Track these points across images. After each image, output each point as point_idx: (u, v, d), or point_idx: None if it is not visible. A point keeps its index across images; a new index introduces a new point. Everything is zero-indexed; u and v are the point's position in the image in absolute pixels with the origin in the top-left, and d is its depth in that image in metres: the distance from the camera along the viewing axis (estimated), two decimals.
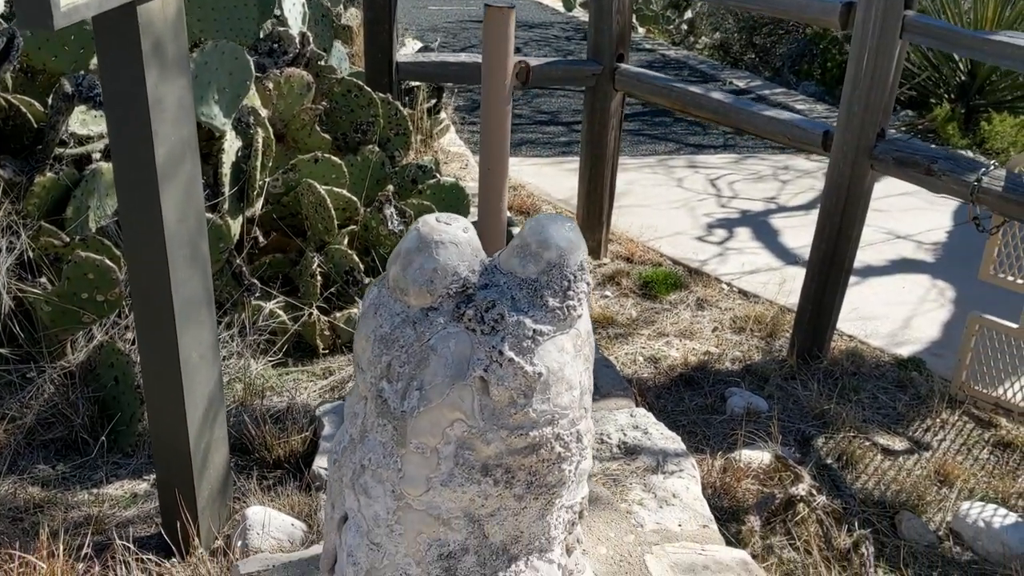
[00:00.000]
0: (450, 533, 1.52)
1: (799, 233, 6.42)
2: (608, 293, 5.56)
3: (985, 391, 4.45)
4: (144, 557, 2.68)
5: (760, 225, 6.62)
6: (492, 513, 1.53)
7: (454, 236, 1.48)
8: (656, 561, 1.88)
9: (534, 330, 1.46)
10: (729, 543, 3.28)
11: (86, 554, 2.67)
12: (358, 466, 1.55)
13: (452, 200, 4.93)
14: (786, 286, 5.55)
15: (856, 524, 3.61)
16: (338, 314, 4.22)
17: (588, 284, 1.52)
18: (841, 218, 4.49)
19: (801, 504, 3.70)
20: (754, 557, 3.33)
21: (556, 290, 1.48)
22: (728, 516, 3.65)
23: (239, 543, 2.72)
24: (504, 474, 1.50)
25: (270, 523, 2.76)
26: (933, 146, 6.19)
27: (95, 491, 3.15)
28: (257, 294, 4.01)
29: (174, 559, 2.70)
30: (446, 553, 1.53)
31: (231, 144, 4.08)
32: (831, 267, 4.61)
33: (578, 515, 1.67)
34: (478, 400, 1.46)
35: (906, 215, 6.77)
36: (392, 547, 1.53)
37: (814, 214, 6.88)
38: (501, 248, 1.50)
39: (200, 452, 2.73)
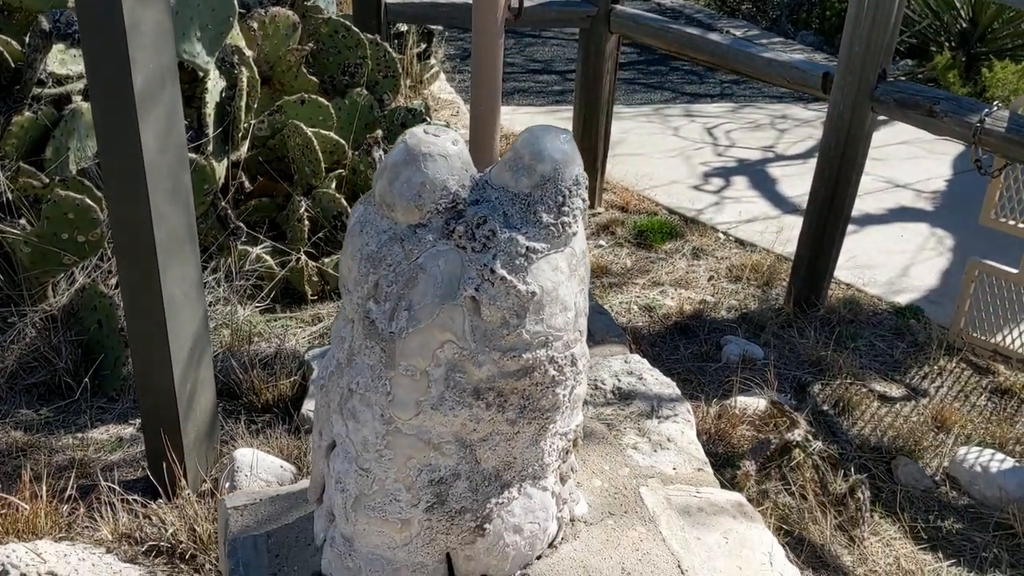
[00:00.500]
0: (441, 458, 1.49)
1: (797, 182, 6.37)
2: (602, 242, 5.51)
3: (983, 338, 4.43)
4: (130, 498, 2.65)
5: (757, 174, 6.56)
6: (484, 438, 1.49)
7: (443, 148, 1.42)
8: (651, 494, 1.85)
9: (527, 247, 1.41)
10: (724, 487, 3.27)
11: (70, 496, 2.64)
12: (345, 390, 1.51)
13: None
14: (783, 234, 5.51)
15: (852, 469, 3.61)
16: (326, 260, 4.16)
17: (584, 200, 1.47)
18: (840, 162, 4.43)
19: (797, 450, 3.69)
20: (749, 501, 3.33)
21: (550, 205, 1.43)
22: (723, 462, 3.64)
23: (227, 484, 2.70)
24: (496, 398, 1.46)
25: (258, 465, 2.73)
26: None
27: (79, 435, 3.11)
28: (243, 238, 3.94)
29: (160, 500, 2.67)
30: (437, 478, 1.49)
31: (215, 84, 3.99)
32: (829, 213, 4.56)
33: (572, 443, 1.64)
34: (469, 321, 1.41)
35: (905, 164, 6.72)
36: (381, 472, 1.49)
37: (812, 163, 6.81)
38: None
39: (186, 392, 2.69)
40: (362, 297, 1.46)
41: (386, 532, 1.52)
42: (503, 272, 1.40)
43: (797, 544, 3.28)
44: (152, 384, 2.65)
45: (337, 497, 1.55)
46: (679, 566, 1.69)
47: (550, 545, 1.68)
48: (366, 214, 1.48)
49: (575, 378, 1.53)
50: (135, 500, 2.65)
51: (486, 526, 1.54)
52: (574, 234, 1.47)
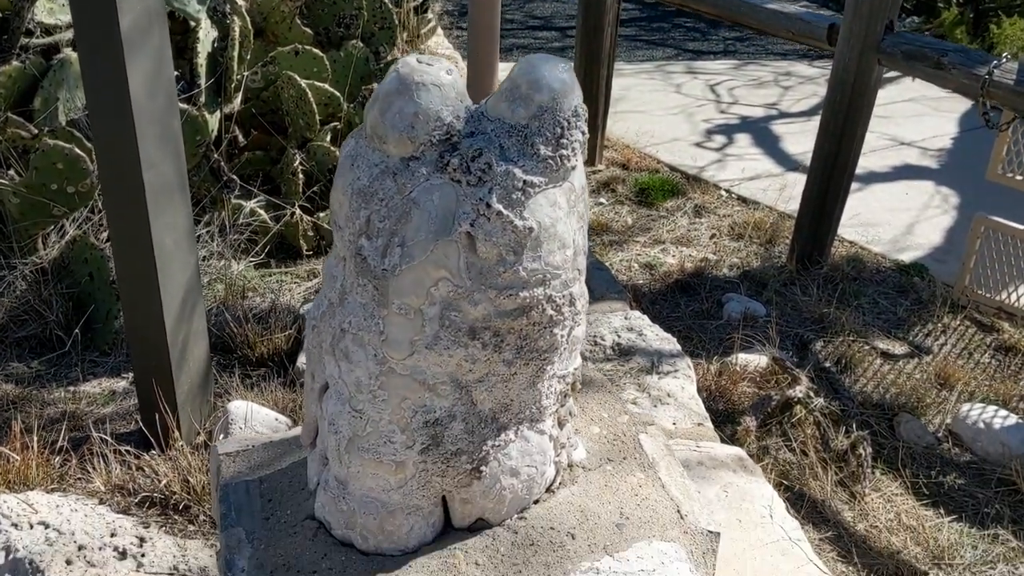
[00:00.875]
0: (436, 399, 1.46)
1: (801, 139, 6.30)
2: (603, 200, 5.46)
3: (988, 295, 4.40)
4: (122, 450, 2.63)
5: (760, 131, 6.49)
6: (480, 379, 1.46)
7: (437, 78, 1.38)
8: (651, 440, 1.83)
9: (524, 181, 1.37)
10: (724, 443, 3.26)
11: (62, 447, 2.62)
12: (338, 330, 1.47)
13: None
14: (786, 192, 5.46)
15: (854, 426, 3.59)
16: (321, 214, 4.12)
17: (584, 133, 1.43)
18: (845, 117, 4.37)
19: (798, 406, 3.67)
20: (749, 457, 3.32)
21: (548, 137, 1.39)
22: (723, 418, 3.63)
23: (221, 436, 2.68)
24: (492, 337, 1.43)
25: (253, 417, 2.71)
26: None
27: (71, 389, 3.09)
28: (236, 191, 3.90)
29: (154, 452, 2.65)
30: (432, 420, 1.47)
31: (206, 34, 3.93)
32: (834, 168, 4.51)
33: (571, 387, 1.61)
34: (464, 257, 1.38)
35: (910, 121, 6.65)
36: (375, 414, 1.46)
37: (816, 120, 6.74)
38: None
39: (178, 343, 2.66)
40: (353, 233, 1.42)
41: (380, 474, 1.50)
42: (499, 207, 1.36)
43: (797, 500, 3.27)
44: (143, 334, 2.63)
45: (330, 439, 1.53)
46: (678, 511, 1.67)
47: (548, 490, 1.66)
48: (357, 147, 1.44)
49: (573, 319, 1.50)
50: (128, 452, 2.64)
51: (482, 469, 1.51)
52: (573, 168, 1.43)
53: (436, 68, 1.40)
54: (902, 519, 3.26)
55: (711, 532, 1.65)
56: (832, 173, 4.52)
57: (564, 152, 1.40)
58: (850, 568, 3.03)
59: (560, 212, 1.42)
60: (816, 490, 3.33)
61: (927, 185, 5.76)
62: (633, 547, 1.58)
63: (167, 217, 2.54)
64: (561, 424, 1.64)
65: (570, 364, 1.58)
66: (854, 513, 3.27)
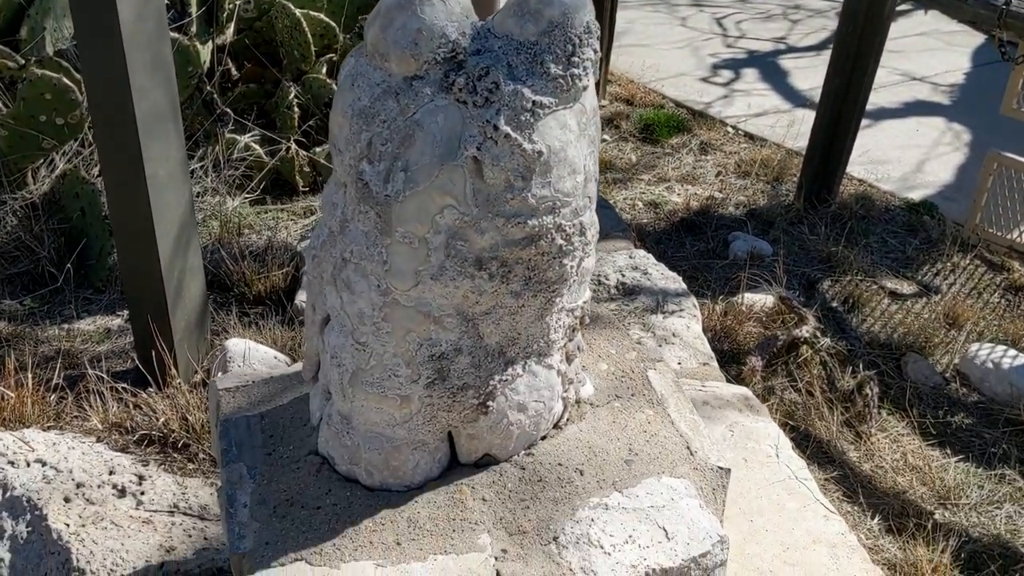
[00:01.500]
0: (442, 332, 1.42)
1: (810, 74, 6.20)
2: (607, 136, 5.38)
3: (999, 233, 4.36)
4: (119, 387, 2.61)
5: (768, 66, 6.38)
6: (487, 311, 1.43)
7: None
8: (659, 377, 1.80)
9: (533, 101, 1.32)
10: (729, 383, 3.24)
11: (57, 385, 2.60)
12: (339, 259, 1.43)
13: None
14: (795, 128, 5.38)
15: (861, 366, 3.58)
16: (318, 149, 4.05)
17: (596, 52, 1.37)
18: (857, 50, 4.28)
19: (804, 346, 3.65)
20: (755, 396, 3.30)
21: (559, 55, 1.33)
22: (729, 358, 3.61)
23: (219, 374, 2.65)
24: (500, 268, 1.39)
25: (251, 355, 2.68)
26: None
27: (65, 326, 3.06)
28: (231, 125, 3.83)
29: (151, 390, 2.63)
30: (438, 354, 1.43)
31: None
32: (844, 103, 4.43)
33: (579, 321, 1.57)
34: (471, 183, 1.33)
35: (922, 56, 6.53)
36: (379, 347, 1.43)
37: (826, 55, 6.62)
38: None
39: (174, 279, 2.62)
40: (354, 157, 1.37)
41: (385, 409, 1.47)
42: (507, 129, 1.31)
43: (803, 440, 3.26)
44: (138, 268, 2.59)
45: (333, 373, 1.49)
46: (688, 447, 1.65)
47: (555, 426, 1.64)
48: (357, 66, 1.38)
49: (583, 249, 1.46)
50: (125, 390, 2.61)
51: (489, 403, 1.48)
52: (584, 88, 1.38)
53: None
54: (908, 459, 3.26)
55: (721, 468, 1.62)
56: (842, 109, 4.44)
57: (575, 71, 1.35)
58: (855, 508, 3.03)
59: (571, 135, 1.37)
60: (822, 430, 3.32)
61: (938, 121, 5.68)
62: (642, 483, 1.56)
63: (160, 147, 2.48)
64: (569, 359, 1.60)
65: (579, 297, 1.55)
66: (860, 453, 3.27)
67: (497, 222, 1.36)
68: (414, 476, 1.53)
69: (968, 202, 4.67)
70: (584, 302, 1.57)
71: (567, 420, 1.65)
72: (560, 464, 1.57)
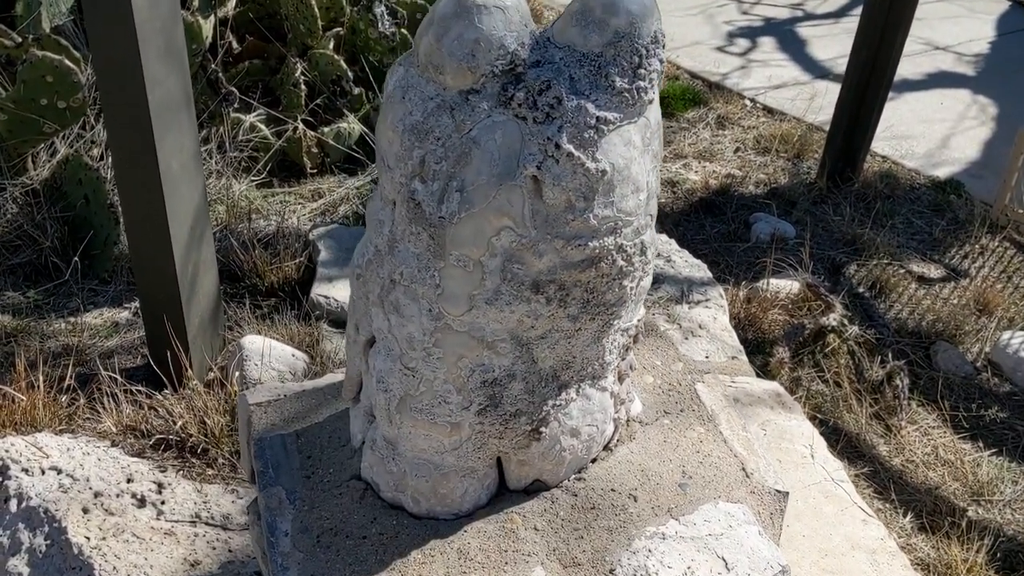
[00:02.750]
0: (495, 357, 1.39)
1: (829, 43, 6.12)
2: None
3: None
4: (133, 389, 2.57)
5: (786, 34, 6.30)
6: (543, 335, 1.39)
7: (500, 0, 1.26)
8: (708, 391, 1.77)
9: (597, 117, 1.27)
10: (759, 377, 3.22)
11: (69, 386, 2.56)
12: (387, 281, 1.39)
13: None
14: (816, 102, 5.31)
15: (889, 355, 3.55)
16: (326, 129, 3.99)
17: (662, 61, 1.32)
18: (886, 18, 4.20)
19: (832, 335, 3.62)
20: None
21: (624, 67, 1.28)
22: (754, 348, 3.58)
23: (236, 374, 2.62)
24: (558, 291, 1.35)
25: (269, 353, 2.65)
26: None
27: (72, 320, 3.01)
28: (236, 105, 3.76)
29: (166, 391, 2.60)
30: (490, 380, 1.40)
31: None
32: (871, 77, 4.36)
33: (633, 339, 1.54)
34: (529, 204, 1.29)
35: (945, 24, 6.45)
36: (429, 373, 1.39)
37: (845, 22, 6.56)
38: None
39: (188, 275, 2.58)
40: (405, 175, 1.33)
41: (434, 436, 1.43)
42: (570, 147, 1.26)
43: (831, 434, 3.25)
44: (151, 266, 2.54)
45: (379, 398, 1.46)
46: (743, 469, 1.62)
47: (605, 447, 1.61)
48: (408, 77, 1.33)
49: (643, 268, 1.42)
50: (139, 391, 2.58)
51: (542, 430, 1.45)
52: (650, 101, 1.33)
53: None
54: (939, 453, 3.25)
55: (779, 492, 1.60)
56: (868, 85, 4.38)
57: (641, 84, 1.30)
58: (887, 505, 3.03)
59: (634, 152, 1.33)
60: (851, 423, 3.31)
61: (963, 94, 5.62)
62: (699, 509, 1.53)
63: (173, 138, 2.43)
64: (621, 378, 1.57)
65: (635, 316, 1.51)
66: (890, 447, 3.26)
67: (556, 244, 1.32)
68: (462, 504, 1.50)
69: (995, 180, 4.63)
70: (639, 320, 1.54)
71: (617, 440, 1.62)
72: (613, 489, 1.54)
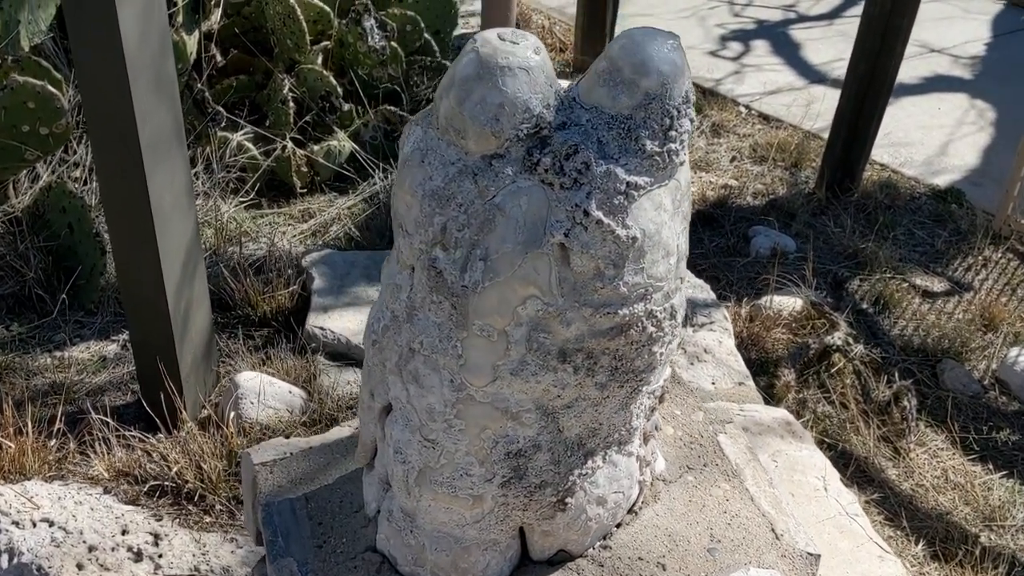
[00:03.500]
0: (520, 428, 1.35)
1: (822, 47, 6.11)
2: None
3: None
4: (125, 432, 2.51)
5: (779, 37, 6.28)
6: (569, 404, 1.35)
7: (524, 60, 1.22)
8: (731, 442, 1.74)
9: (628, 183, 1.23)
10: (768, 403, 3.19)
11: (59, 430, 2.50)
12: (406, 349, 1.35)
13: (439, 9, 4.55)
14: (812, 108, 5.30)
15: (896, 375, 3.54)
16: (316, 147, 3.93)
17: (693, 120, 1.28)
18: (885, 26, 4.18)
19: (837, 354, 3.60)
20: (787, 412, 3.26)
21: (655, 129, 1.24)
22: (758, 368, 3.55)
23: (231, 414, 2.57)
24: (585, 360, 1.31)
25: (265, 391, 2.60)
26: None
27: (58, 354, 2.95)
28: (222, 124, 3.70)
29: (160, 435, 2.54)
30: (515, 451, 1.36)
31: None
32: (869, 87, 4.35)
33: (659, 399, 1.50)
34: (556, 272, 1.25)
35: (939, 25, 6.45)
36: (451, 445, 1.35)
37: (839, 24, 6.55)
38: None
39: (180, 312, 2.52)
40: (426, 242, 1.28)
41: (455, 509, 1.39)
42: (599, 214, 1.23)
43: (840, 458, 3.23)
44: (142, 306, 2.48)
45: (396, 469, 1.42)
46: (772, 530, 1.59)
47: (630, 510, 1.57)
48: (427, 140, 1.29)
49: (672, 332, 1.38)
50: (131, 434, 2.52)
51: (568, 500, 1.41)
52: (681, 163, 1.29)
53: (523, 47, 1.24)
54: (949, 476, 3.24)
55: (810, 554, 1.57)
56: (867, 93, 4.37)
57: (672, 146, 1.26)
58: (898, 532, 3.01)
59: (665, 215, 1.29)
60: (858, 446, 3.29)
61: (960, 98, 5.62)
62: None
63: (164, 173, 2.37)
64: (646, 439, 1.53)
65: (662, 377, 1.47)
66: (899, 471, 3.24)
67: (584, 312, 1.28)
68: None
69: (995, 188, 4.63)
70: (665, 380, 1.50)
71: (642, 503, 1.59)
72: (640, 558, 1.51)
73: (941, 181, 4.83)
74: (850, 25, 6.40)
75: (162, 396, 2.53)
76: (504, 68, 1.22)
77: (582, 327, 1.29)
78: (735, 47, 6.13)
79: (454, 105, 1.24)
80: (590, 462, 1.43)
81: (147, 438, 2.53)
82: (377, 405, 1.46)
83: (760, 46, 6.16)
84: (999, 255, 4.29)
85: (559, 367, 1.31)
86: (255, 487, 1.69)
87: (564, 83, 1.31)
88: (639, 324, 1.32)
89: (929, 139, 5.20)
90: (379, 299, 1.44)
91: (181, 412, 2.54)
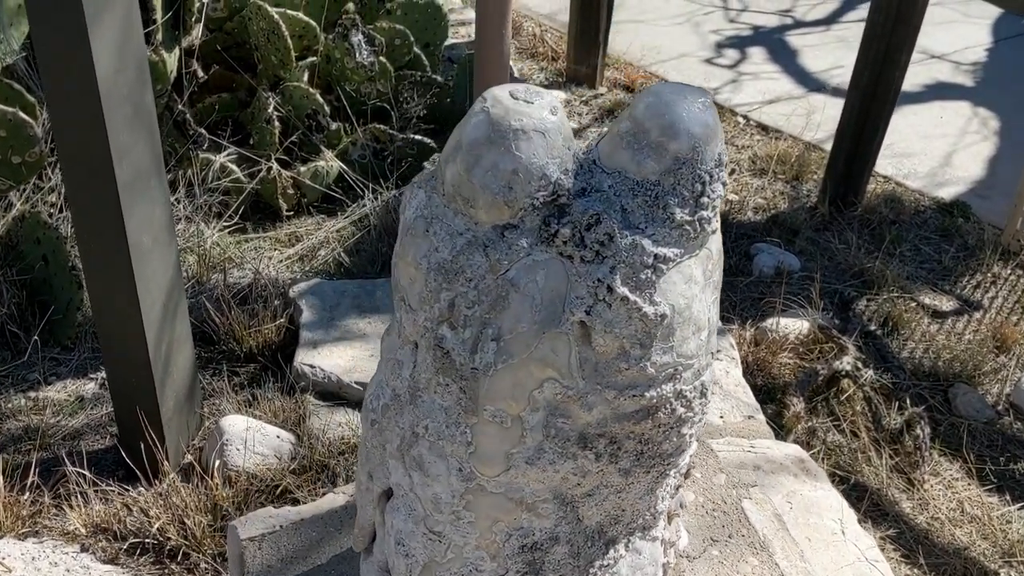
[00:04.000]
0: (535, 520, 1.24)
1: (821, 53, 6.02)
2: (606, 129, 5.17)
3: None
4: (104, 486, 2.39)
5: (776, 44, 6.19)
6: (590, 492, 1.25)
7: (540, 122, 1.11)
8: (757, 509, 1.64)
9: (655, 255, 1.12)
10: (778, 437, 3.09)
11: (33, 483, 2.38)
12: (408, 433, 1.24)
13: (428, 22, 4.44)
14: (813, 119, 5.20)
15: (907, 401, 3.44)
16: (302, 167, 3.81)
17: (725, 184, 1.18)
18: (891, 37, 4.09)
19: (846, 379, 3.51)
20: (796, 443, 3.16)
21: (685, 197, 1.14)
22: (765, 396, 3.45)
23: (216, 462, 2.45)
24: (608, 445, 1.20)
25: (251, 436, 2.48)
26: None
27: (33, 395, 2.82)
28: (205, 146, 3.57)
29: (140, 488, 2.42)
30: (530, 544, 1.25)
31: None
32: (873, 101, 4.25)
33: (685, 476, 1.40)
34: (577, 352, 1.14)
35: (939, 30, 6.36)
36: (459, 538, 1.25)
37: (836, 30, 6.47)
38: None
39: (161, 356, 2.40)
40: (431, 319, 1.17)
41: None
42: (624, 290, 1.12)
43: (851, 491, 3.13)
44: (120, 350, 2.36)
45: (399, 562, 1.31)
46: None
47: None
48: (432, 207, 1.18)
49: (703, 410, 1.28)
50: (109, 488, 2.40)
51: None
52: (713, 232, 1.19)
53: (538, 107, 1.13)
54: (965, 508, 3.15)
55: None
56: (871, 108, 4.27)
57: (704, 214, 1.15)
58: (916, 571, 2.91)
59: (696, 288, 1.18)
60: (871, 477, 3.19)
61: (963, 106, 5.53)
62: None
63: (143, 210, 2.25)
64: (670, 519, 1.43)
65: (689, 454, 1.37)
66: (913, 503, 3.15)
67: (607, 395, 1.17)
68: None
69: (1002, 200, 4.55)
70: (691, 454, 1.39)
71: None
72: None
73: (946, 194, 4.74)
74: (848, 31, 6.32)
75: (142, 445, 2.40)
76: (518, 131, 1.11)
77: (605, 411, 1.18)
78: (731, 54, 6.04)
79: (462, 172, 1.13)
80: (612, 552, 1.32)
81: (127, 490, 2.40)
82: (376, 488, 1.35)
83: (757, 53, 6.07)
84: (1008, 271, 4.21)
85: (579, 454, 1.20)
86: (242, 565, 1.57)
87: (581, 144, 1.20)
88: (667, 406, 1.21)
89: (932, 149, 5.12)
90: (377, 374, 1.32)
91: (163, 463, 2.42)
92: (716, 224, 1.19)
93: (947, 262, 4.26)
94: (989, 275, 4.19)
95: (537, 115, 1.12)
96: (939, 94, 5.67)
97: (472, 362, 1.16)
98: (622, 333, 1.14)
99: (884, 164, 4.90)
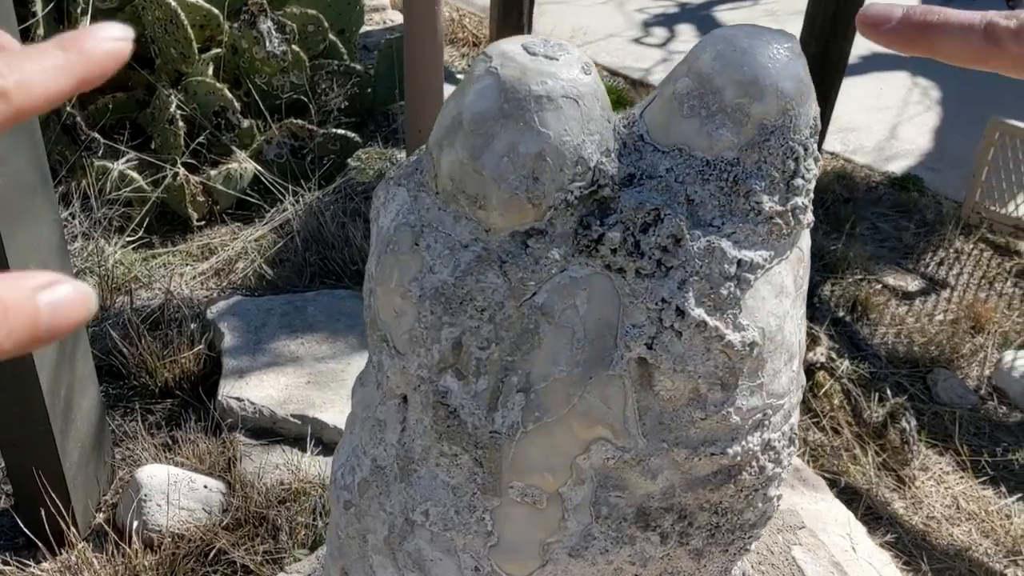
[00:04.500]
0: None
1: None
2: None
3: (1003, 211, 4.07)
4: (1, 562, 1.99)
5: (704, 20, 5.96)
6: None
7: (571, 84, 0.79)
8: (808, 557, 1.35)
9: (739, 261, 0.82)
10: None
11: None
12: (400, 520, 0.91)
13: (341, 7, 4.07)
14: None
15: (888, 390, 3.23)
16: (212, 171, 3.41)
17: (818, 160, 0.87)
18: (836, 6, 3.88)
19: (821, 372, 3.28)
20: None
21: (775, 179, 0.83)
22: None
23: (134, 523, 2.06)
24: (677, 522, 0.89)
25: (175, 488, 2.10)
26: None
27: None
28: (100, 152, 3.15)
29: (44, 561, 2.02)
30: None
31: None
32: (822, 72, 4.03)
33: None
34: (635, 401, 0.83)
35: None
36: None
37: (764, 3, 6.29)
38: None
39: (60, 402, 2.01)
40: (429, 367, 0.84)
41: None
42: (699, 312, 0.80)
43: (840, 494, 2.89)
44: (11, 403, 1.96)
45: None
46: None
47: None
48: (420, 211, 0.84)
49: (790, 460, 0.97)
50: (5, 564, 2.00)
51: None
52: (809, 225, 0.88)
53: (565, 64, 0.80)
54: (960, 504, 2.94)
55: None
56: (820, 76, 4.03)
57: (798, 201, 0.85)
58: None
59: (787, 302, 0.87)
60: (858, 478, 2.97)
61: (902, 77, 5.39)
62: None
63: (28, 231, 1.86)
64: None
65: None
66: (906, 503, 2.93)
67: (677, 455, 0.86)
68: None
69: (953, 172, 4.40)
70: None
71: None
72: None
73: (896, 168, 4.57)
74: (776, 4, 6.14)
75: (43, 510, 2.01)
76: (541, 99, 0.78)
77: (673, 477, 0.87)
78: (660, 33, 5.80)
79: (466, 159, 0.79)
80: None
81: (26, 565, 2.01)
82: None
83: (686, 30, 5.84)
84: (971, 246, 4.04)
85: (639, 536, 0.88)
86: None
87: (616, 114, 0.88)
88: (754, 463, 0.90)
89: (876, 122, 4.95)
90: (347, 437, 0.98)
91: (69, 529, 2.02)
92: (810, 215, 0.88)
93: (908, 239, 4.07)
94: (952, 251, 4.01)
95: (566, 75, 0.80)
96: (877, 66, 5.51)
97: (491, 423, 0.83)
98: (697, 371, 0.82)
99: (830, 140, 4.71)
